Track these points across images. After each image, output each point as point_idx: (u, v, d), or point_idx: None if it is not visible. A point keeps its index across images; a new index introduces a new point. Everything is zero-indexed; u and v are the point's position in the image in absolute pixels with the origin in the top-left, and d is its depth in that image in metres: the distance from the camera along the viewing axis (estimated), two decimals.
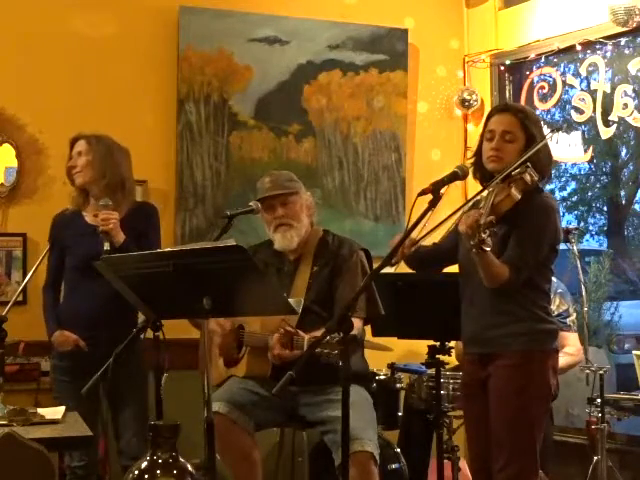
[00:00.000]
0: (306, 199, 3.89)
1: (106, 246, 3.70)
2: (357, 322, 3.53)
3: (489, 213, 3.01)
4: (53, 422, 3.09)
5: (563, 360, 4.14)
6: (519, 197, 3.13)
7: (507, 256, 3.13)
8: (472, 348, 3.32)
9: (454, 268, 3.52)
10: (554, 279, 3.47)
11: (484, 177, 3.34)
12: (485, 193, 3.20)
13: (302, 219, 3.84)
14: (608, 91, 5.04)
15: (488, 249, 2.96)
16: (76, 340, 3.82)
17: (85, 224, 3.93)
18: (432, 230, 3.19)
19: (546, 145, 3.35)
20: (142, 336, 3.28)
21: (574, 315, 4.52)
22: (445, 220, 3.21)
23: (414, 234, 3.07)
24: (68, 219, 3.99)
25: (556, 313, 4.24)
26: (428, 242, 3.43)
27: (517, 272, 3.13)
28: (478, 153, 3.34)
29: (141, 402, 3.78)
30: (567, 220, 9.70)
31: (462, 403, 3.59)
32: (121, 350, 3.14)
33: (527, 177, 3.15)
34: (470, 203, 3.29)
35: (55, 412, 3.20)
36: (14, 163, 4.76)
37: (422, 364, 3.93)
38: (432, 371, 3.83)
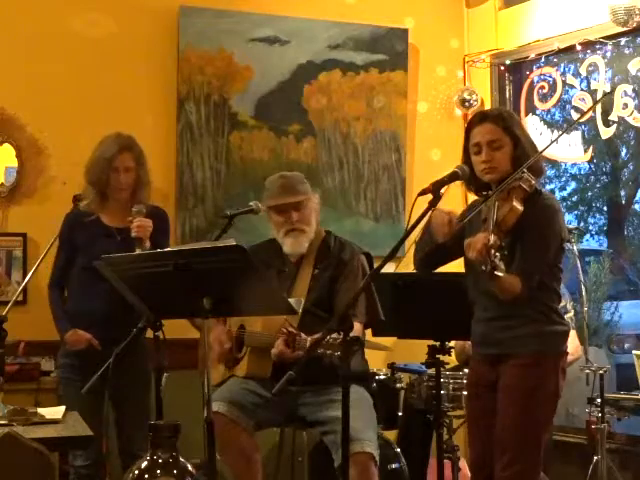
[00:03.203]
0: (315, 202, 3.88)
1: (137, 252, 3.70)
2: (357, 326, 3.52)
3: (495, 232, 2.99)
4: (53, 422, 3.08)
5: None
6: (522, 209, 3.10)
7: (517, 267, 3.10)
8: (483, 349, 3.31)
9: (452, 268, 3.52)
10: None
11: (479, 188, 3.32)
12: (487, 204, 3.16)
13: (312, 223, 3.83)
14: (608, 91, 5.04)
15: (501, 274, 2.96)
16: (89, 339, 3.84)
17: (102, 225, 3.94)
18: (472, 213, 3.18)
19: (532, 142, 3.34)
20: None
21: (572, 312, 4.52)
22: (469, 217, 3.17)
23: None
24: (83, 219, 3.98)
25: None
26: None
27: (529, 281, 3.11)
28: (468, 167, 3.29)
29: (146, 402, 3.78)
30: (567, 220, 9.70)
31: (466, 402, 3.59)
32: (122, 349, 3.14)
33: (525, 183, 3.13)
34: (479, 208, 3.23)
35: (55, 412, 3.20)
36: (14, 163, 4.76)
37: (422, 364, 3.93)
38: (432, 371, 3.84)
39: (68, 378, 3.91)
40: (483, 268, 2.95)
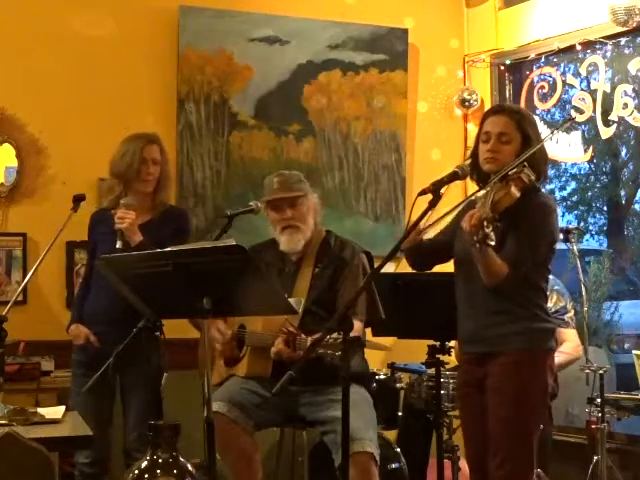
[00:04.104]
0: (313, 201, 3.88)
1: (118, 244, 3.71)
2: (358, 324, 3.52)
3: (490, 210, 3.02)
4: (53, 422, 3.09)
5: (561, 357, 4.14)
6: (518, 195, 3.14)
7: (506, 253, 3.13)
8: (470, 347, 3.32)
9: (452, 268, 3.52)
10: (550, 276, 3.49)
11: (480, 178, 3.36)
12: (483, 192, 3.21)
13: (309, 221, 3.83)
14: (608, 91, 5.05)
15: (492, 243, 2.97)
16: (87, 335, 3.85)
17: (113, 222, 3.94)
18: (440, 219, 3.20)
19: (542, 147, 3.36)
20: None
21: (572, 312, 4.52)
22: (450, 211, 3.21)
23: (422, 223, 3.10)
24: (103, 216, 4.00)
25: (553, 310, 4.24)
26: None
27: (515, 269, 3.14)
28: (475, 154, 3.35)
29: (150, 402, 3.77)
30: (567, 220, 9.71)
31: (458, 402, 3.59)
32: (122, 349, 3.14)
33: (524, 176, 3.17)
34: (468, 200, 3.29)
35: (55, 412, 3.20)
36: (14, 163, 4.77)
37: (422, 364, 3.93)
38: (432, 371, 3.84)
39: (76, 374, 3.93)
40: (475, 238, 2.96)
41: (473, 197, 3.30)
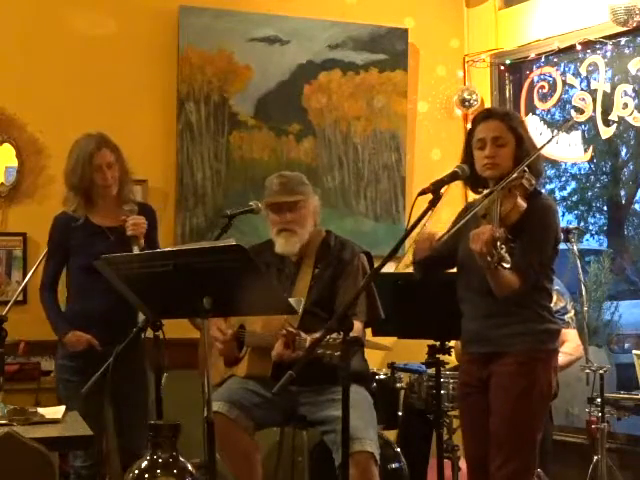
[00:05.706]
0: (314, 204, 3.87)
1: (135, 250, 3.71)
2: (357, 325, 3.52)
3: (499, 225, 3.00)
4: (53, 422, 3.09)
5: (563, 358, 4.14)
6: (525, 205, 3.13)
7: (515, 264, 3.10)
8: (474, 348, 3.32)
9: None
10: None
11: (478, 185, 3.34)
12: (487, 202, 3.17)
13: (307, 225, 3.82)
14: (608, 91, 5.05)
15: (508, 266, 2.95)
16: (89, 340, 3.82)
17: (94, 226, 3.92)
18: (455, 228, 3.19)
19: (534, 144, 3.36)
20: (144, 335, 3.27)
21: (572, 312, 4.52)
22: (466, 219, 3.17)
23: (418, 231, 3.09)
24: (73, 221, 3.95)
25: (554, 310, 4.24)
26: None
27: (527, 279, 3.13)
28: (468, 163, 3.32)
29: (145, 401, 3.78)
30: (567, 220, 9.70)
31: (459, 402, 3.59)
32: (122, 349, 3.14)
33: (526, 182, 3.16)
34: (476, 209, 3.24)
35: (55, 412, 3.20)
36: (14, 163, 4.77)
37: (422, 364, 3.94)
38: (432, 371, 3.84)
39: (67, 380, 3.89)
40: (489, 259, 2.94)
41: (478, 208, 3.23)
